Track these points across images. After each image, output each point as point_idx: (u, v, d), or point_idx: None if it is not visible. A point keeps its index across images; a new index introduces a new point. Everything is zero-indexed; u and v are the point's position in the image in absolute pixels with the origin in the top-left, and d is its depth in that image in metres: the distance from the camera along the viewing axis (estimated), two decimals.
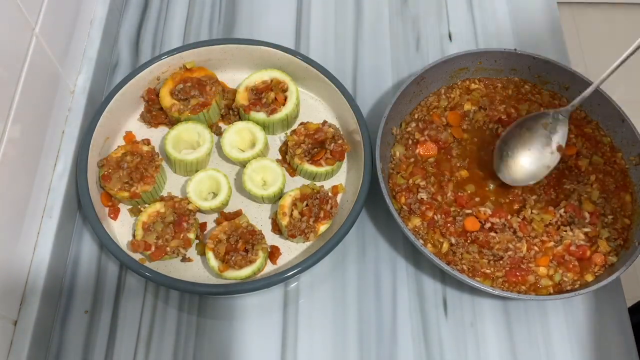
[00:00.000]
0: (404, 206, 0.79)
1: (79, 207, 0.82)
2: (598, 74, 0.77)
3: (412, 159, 0.82)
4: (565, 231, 0.77)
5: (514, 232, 0.77)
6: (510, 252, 0.75)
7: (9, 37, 0.66)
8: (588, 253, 0.76)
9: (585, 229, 0.78)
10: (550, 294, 0.74)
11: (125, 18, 0.99)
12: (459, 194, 0.80)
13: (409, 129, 0.84)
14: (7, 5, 0.65)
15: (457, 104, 0.87)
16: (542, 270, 0.75)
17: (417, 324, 0.76)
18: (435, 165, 0.82)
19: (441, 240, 0.76)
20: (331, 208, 0.78)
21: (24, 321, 0.69)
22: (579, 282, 0.75)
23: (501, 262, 0.75)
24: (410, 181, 0.80)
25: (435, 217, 0.78)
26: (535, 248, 0.76)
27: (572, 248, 0.76)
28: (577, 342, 0.76)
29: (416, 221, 0.78)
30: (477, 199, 0.79)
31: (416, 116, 0.86)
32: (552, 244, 0.76)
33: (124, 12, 0.99)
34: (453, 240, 0.76)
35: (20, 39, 0.69)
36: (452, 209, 0.79)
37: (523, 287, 0.74)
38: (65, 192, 0.77)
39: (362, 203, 0.76)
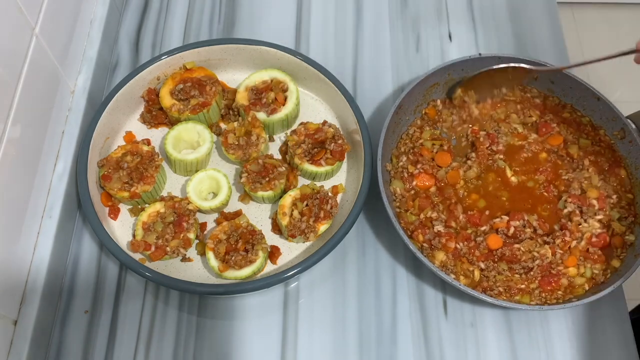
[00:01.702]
0: (424, 244, 0.77)
1: (79, 207, 0.82)
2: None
3: (412, 191, 0.81)
4: (580, 224, 0.78)
5: (534, 231, 0.77)
6: (537, 261, 0.75)
7: (9, 37, 0.66)
8: (608, 239, 0.77)
9: (598, 217, 0.78)
10: (586, 290, 0.74)
11: (125, 18, 0.99)
12: (469, 213, 0.79)
13: (401, 163, 0.83)
14: (7, 5, 0.65)
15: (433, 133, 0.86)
16: (572, 270, 0.75)
17: (417, 323, 0.76)
18: (438, 194, 0.81)
19: (471, 268, 0.75)
20: (331, 208, 0.77)
21: (24, 321, 0.69)
22: (609, 270, 0.75)
23: (532, 272, 0.75)
24: (422, 215, 0.79)
25: (458, 245, 0.77)
26: (559, 250, 0.76)
27: (593, 239, 0.77)
28: (577, 342, 0.76)
29: (441, 256, 0.76)
30: (487, 212, 0.79)
31: (402, 149, 0.84)
32: (574, 242, 0.77)
33: (124, 12, 0.99)
34: (482, 265, 0.75)
35: (20, 39, 0.69)
36: (469, 230, 0.78)
37: (560, 293, 0.74)
38: (65, 192, 0.77)
39: (362, 203, 0.76)
